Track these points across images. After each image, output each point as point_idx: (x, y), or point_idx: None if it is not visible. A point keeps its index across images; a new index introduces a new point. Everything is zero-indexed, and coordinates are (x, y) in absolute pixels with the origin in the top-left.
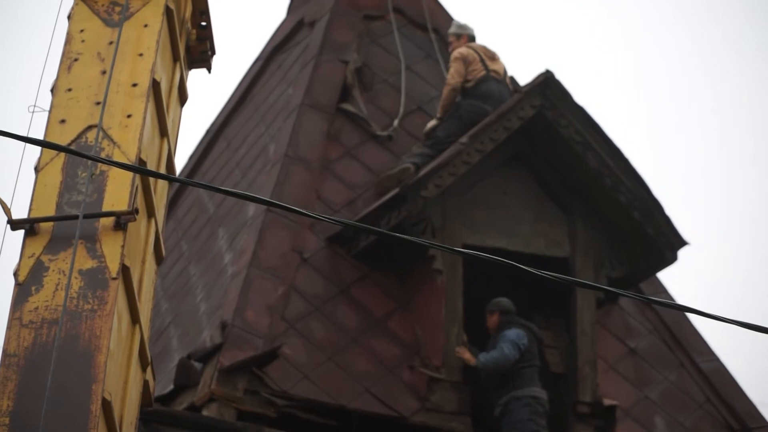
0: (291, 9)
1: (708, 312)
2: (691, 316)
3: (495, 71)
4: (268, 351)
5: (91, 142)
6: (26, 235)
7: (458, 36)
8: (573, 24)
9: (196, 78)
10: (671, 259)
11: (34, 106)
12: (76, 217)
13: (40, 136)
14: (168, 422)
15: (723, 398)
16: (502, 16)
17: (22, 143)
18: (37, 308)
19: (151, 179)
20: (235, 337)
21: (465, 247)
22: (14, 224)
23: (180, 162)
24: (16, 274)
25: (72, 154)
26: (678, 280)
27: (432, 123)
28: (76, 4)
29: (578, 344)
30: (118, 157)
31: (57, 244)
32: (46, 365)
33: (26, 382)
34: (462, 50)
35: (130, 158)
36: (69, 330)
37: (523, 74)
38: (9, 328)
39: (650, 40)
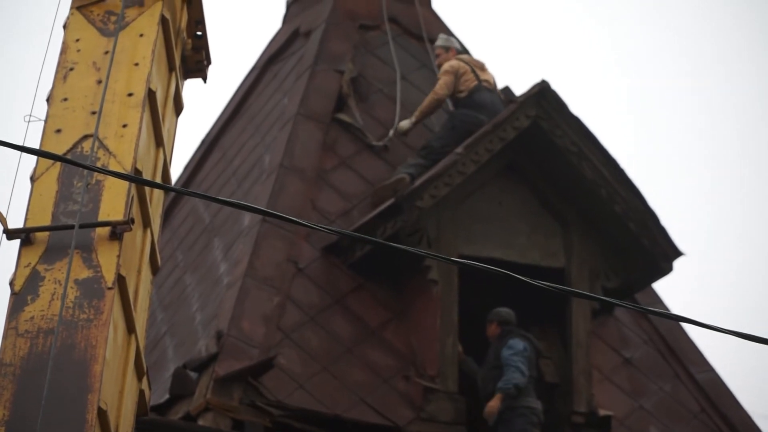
0: (286, 19)
1: (703, 322)
2: (686, 326)
3: (486, 81)
4: (264, 361)
5: (87, 151)
6: (22, 245)
7: (446, 48)
8: (568, 34)
9: (191, 88)
10: (667, 269)
11: (30, 115)
12: (72, 227)
13: (36, 146)
14: (164, 431)
15: (718, 408)
16: (498, 26)
17: (17, 152)
18: (33, 318)
19: (147, 189)
20: (231, 346)
21: (460, 257)
22: (10, 234)
23: (175, 172)
24: (11, 284)
25: (68, 164)
26: (673, 291)
27: (405, 123)
28: (71, 13)
29: (573, 354)
30: (113, 167)
31: (53, 253)
32: (42, 374)
33: (22, 391)
34: (453, 63)
35: (126, 168)
36: (65, 339)
37: (518, 84)
38: (5, 337)
39: (645, 51)
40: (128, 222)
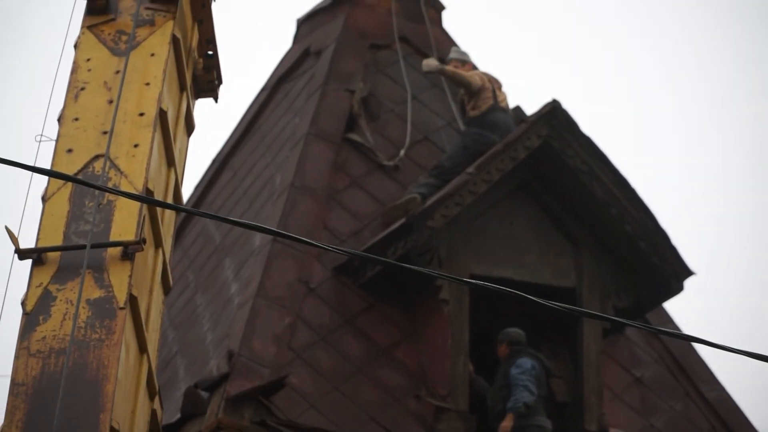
0: (297, 38)
1: (713, 342)
2: (696, 345)
3: (501, 101)
4: (275, 380)
5: (98, 171)
6: (34, 265)
7: (463, 62)
8: (578, 53)
9: (203, 107)
10: (677, 288)
11: (41, 135)
12: (83, 247)
13: (47, 166)
14: None
15: (728, 427)
16: (508, 45)
17: (29, 172)
18: (44, 337)
19: (159, 209)
20: (242, 366)
21: (471, 277)
22: (22, 254)
23: (186, 192)
24: (23, 304)
25: (79, 184)
26: (684, 310)
27: (433, 62)
28: (82, 33)
29: (584, 373)
30: (125, 187)
31: (64, 273)
32: (54, 394)
33: (34, 411)
34: (479, 74)
35: (137, 188)
36: (77, 359)
37: (529, 103)
38: (17, 357)
39: (656, 70)
40: (140, 242)
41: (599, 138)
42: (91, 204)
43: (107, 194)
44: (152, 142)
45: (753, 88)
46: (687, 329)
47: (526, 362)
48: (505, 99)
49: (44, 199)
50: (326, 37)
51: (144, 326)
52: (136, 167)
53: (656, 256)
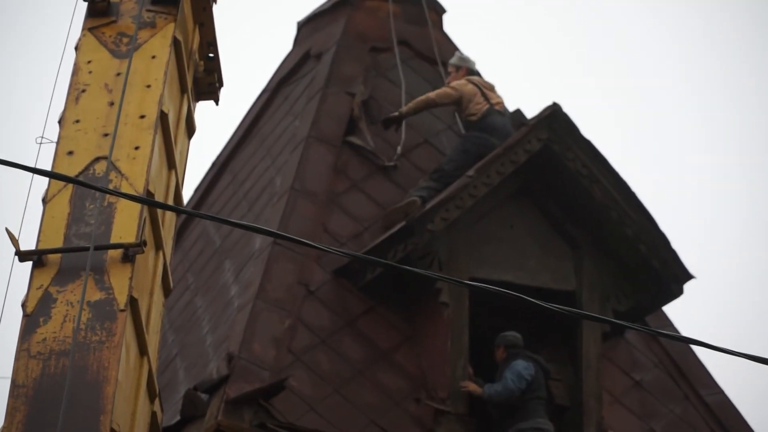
0: (297, 41)
1: (713, 344)
2: (696, 348)
3: (497, 103)
4: (275, 383)
5: (99, 173)
6: (34, 267)
7: (458, 68)
8: (580, 55)
9: (203, 110)
10: (677, 292)
11: (42, 137)
12: (84, 249)
13: (48, 168)
14: None
15: (728, 431)
16: (509, 47)
17: (29, 174)
18: (45, 339)
19: (159, 211)
20: (242, 368)
21: (471, 280)
22: (22, 255)
23: (186, 194)
24: (24, 306)
25: (80, 186)
26: (683, 313)
27: (394, 114)
28: (83, 35)
29: (583, 377)
30: (126, 189)
31: (65, 275)
32: (55, 396)
33: (35, 412)
34: (462, 82)
35: (138, 190)
36: (77, 361)
37: (529, 106)
38: (17, 359)
39: (657, 73)
40: (141, 244)
41: (599, 141)
42: (91, 206)
43: (108, 196)
44: (153, 144)
45: (753, 92)
46: (686, 332)
47: (518, 363)
48: (500, 101)
49: (45, 200)
50: (327, 40)
51: (144, 328)
52: (136, 169)
53: (656, 259)
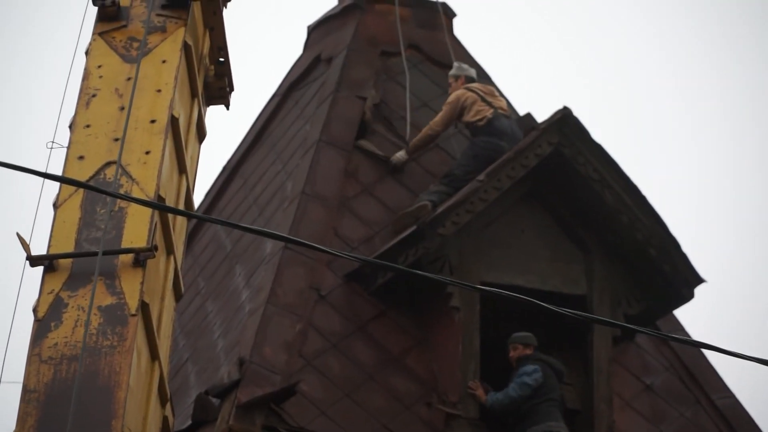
0: (307, 45)
1: (724, 348)
2: (707, 352)
3: (501, 107)
4: (286, 387)
5: (109, 178)
6: (45, 272)
7: (456, 77)
8: (590, 59)
9: (214, 114)
10: (688, 296)
11: (53, 142)
12: (95, 254)
13: (59, 173)
14: None
15: None
16: (519, 51)
17: (40, 179)
18: (56, 344)
19: (170, 216)
20: (253, 373)
21: (482, 284)
22: (33, 260)
23: (197, 199)
24: (35, 310)
25: (91, 190)
26: (694, 317)
27: (400, 154)
28: (93, 39)
29: (594, 381)
30: (136, 194)
31: (76, 280)
32: (66, 401)
33: (46, 417)
34: (458, 93)
35: (149, 195)
36: (89, 366)
37: (540, 110)
38: (29, 363)
39: (667, 78)
40: (151, 249)
41: (609, 144)
42: (102, 211)
43: (119, 201)
44: (164, 149)
45: (764, 96)
46: (697, 336)
47: (525, 369)
48: (503, 104)
49: (56, 205)
50: (337, 44)
51: (155, 333)
52: (147, 174)
53: (667, 263)
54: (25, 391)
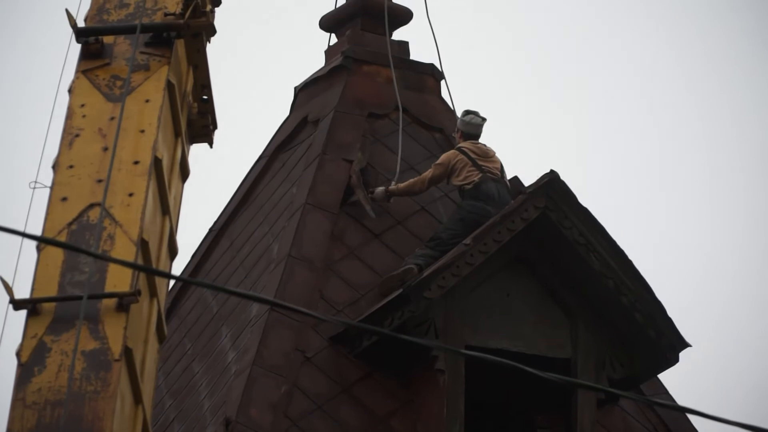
0: (295, 106)
1: (708, 413)
2: (691, 417)
3: (490, 171)
4: None
5: (93, 220)
6: (29, 315)
7: (456, 130)
8: (577, 123)
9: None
10: (673, 360)
11: (35, 182)
12: (79, 298)
13: (42, 212)
14: None
15: None
16: (507, 114)
17: (23, 219)
18: (40, 389)
19: (154, 257)
20: None
21: (468, 347)
22: (17, 304)
23: (183, 260)
24: (18, 355)
25: (75, 233)
26: (679, 381)
27: (379, 190)
28: (77, 77)
29: None
30: (119, 237)
31: (59, 324)
32: None
33: None
34: (450, 154)
35: (132, 237)
36: (72, 411)
37: (528, 171)
38: (12, 408)
39: (651, 135)
40: (135, 293)
41: (596, 208)
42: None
43: (102, 244)
44: (147, 191)
45: (753, 155)
46: (682, 401)
47: None
48: (497, 167)
49: (39, 248)
50: (324, 106)
51: (139, 377)
52: (131, 217)
53: (652, 328)
54: None
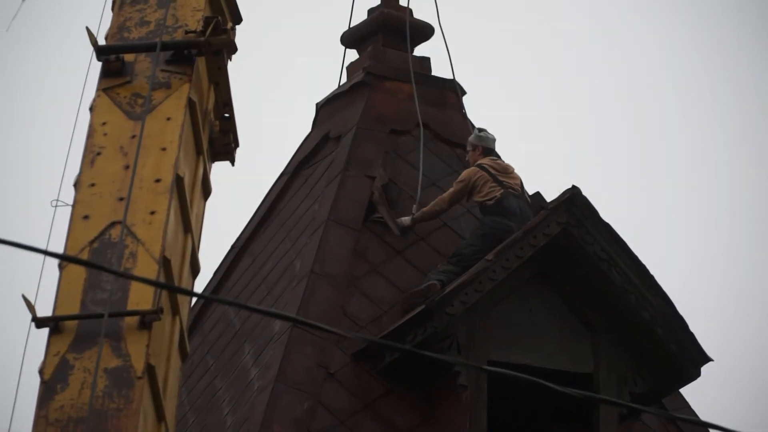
0: (316, 123)
1: (730, 428)
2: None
3: (511, 186)
4: None
5: (114, 238)
6: (51, 333)
7: (474, 147)
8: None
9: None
10: (694, 375)
11: (57, 200)
12: (101, 316)
13: (64, 231)
14: None
15: None
16: (529, 129)
17: (45, 237)
18: (62, 406)
19: (176, 274)
20: None
21: (490, 363)
22: (39, 322)
23: (205, 277)
24: (41, 372)
25: (96, 251)
26: (701, 395)
27: (405, 219)
28: (98, 95)
29: None
30: (141, 256)
31: (82, 342)
32: None
33: None
34: (470, 172)
35: (154, 255)
36: (95, 429)
37: (549, 186)
38: (35, 425)
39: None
40: (157, 311)
41: (618, 223)
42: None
43: (124, 262)
44: (169, 209)
45: None
46: (703, 415)
47: None
48: (517, 183)
49: (61, 266)
50: (346, 122)
51: (162, 394)
52: (152, 235)
53: (674, 342)
54: None
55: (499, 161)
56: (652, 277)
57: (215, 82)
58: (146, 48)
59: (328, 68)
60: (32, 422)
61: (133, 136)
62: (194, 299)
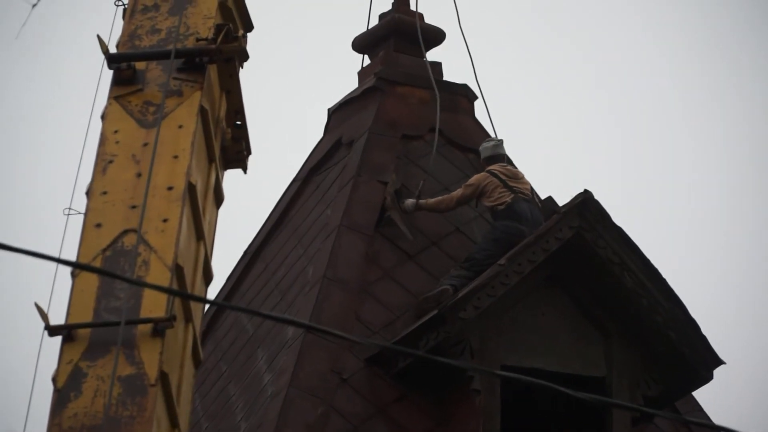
0: (328, 129)
1: (743, 431)
2: None
3: (522, 191)
4: None
5: (127, 246)
6: (64, 341)
7: (484, 157)
8: (609, 140)
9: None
10: (707, 378)
11: (69, 208)
12: (114, 324)
13: (76, 239)
14: None
15: None
16: (541, 134)
17: (57, 246)
18: (76, 414)
19: (189, 282)
20: None
21: (503, 367)
22: (52, 330)
23: (218, 284)
24: (54, 380)
25: (109, 259)
26: (713, 398)
27: (409, 201)
28: (109, 103)
29: None
30: (154, 263)
31: (95, 350)
32: None
33: None
34: (480, 177)
35: (167, 263)
36: None
37: (561, 191)
38: None
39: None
40: (170, 319)
41: (630, 227)
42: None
43: (137, 270)
44: (181, 216)
45: None
46: (716, 417)
47: None
48: (527, 188)
49: (73, 275)
50: (358, 128)
51: (175, 401)
52: (165, 242)
53: (686, 345)
54: None
55: (508, 167)
56: (664, 281)
57: (227, 89)
58: (158, 56)
59: (340, 73)
60: (46, 430)
61: (145, 144)
62: (207, 306)
